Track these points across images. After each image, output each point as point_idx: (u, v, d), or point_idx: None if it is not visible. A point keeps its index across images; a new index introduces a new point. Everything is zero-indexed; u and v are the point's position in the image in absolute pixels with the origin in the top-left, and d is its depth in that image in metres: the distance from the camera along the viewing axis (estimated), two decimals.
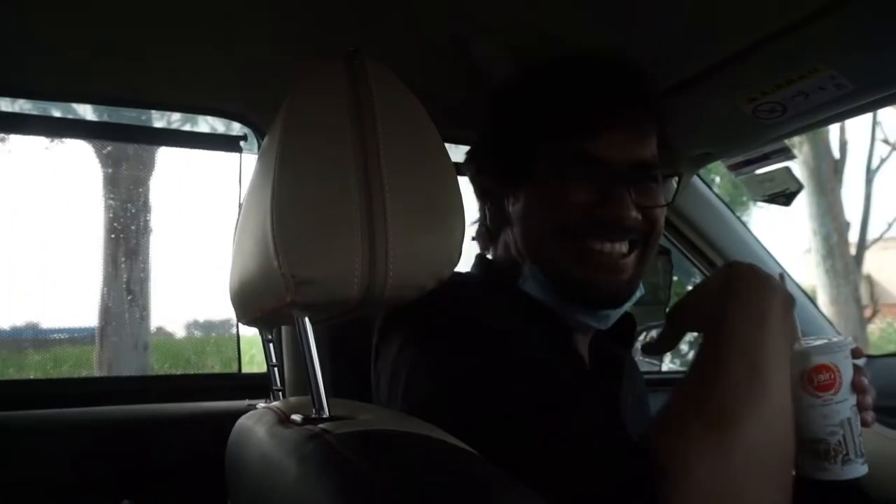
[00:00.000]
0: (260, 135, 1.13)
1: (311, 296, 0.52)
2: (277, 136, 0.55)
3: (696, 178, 1.40)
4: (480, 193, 0.81)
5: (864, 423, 0.64)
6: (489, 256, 0.82)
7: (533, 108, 0.73)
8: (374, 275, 0.52)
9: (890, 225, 9.65)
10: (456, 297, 0.63)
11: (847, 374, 0.63)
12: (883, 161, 8.98)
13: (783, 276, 0.68)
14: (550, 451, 0.52)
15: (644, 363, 1.34)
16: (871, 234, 9.09)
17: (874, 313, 8.99)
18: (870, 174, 9.13)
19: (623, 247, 0.71)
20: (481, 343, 0.61)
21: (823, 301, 7.50)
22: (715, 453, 0.50)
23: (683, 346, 0.97)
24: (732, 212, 1.49)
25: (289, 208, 0.52)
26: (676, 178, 0.82)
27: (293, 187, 0.53)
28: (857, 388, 0.63)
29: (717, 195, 1.46)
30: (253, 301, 0.64)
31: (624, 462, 0.51)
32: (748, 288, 0.61)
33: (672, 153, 0.77)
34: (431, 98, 0.60)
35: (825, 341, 0.64)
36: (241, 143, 1.14)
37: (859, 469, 0.62)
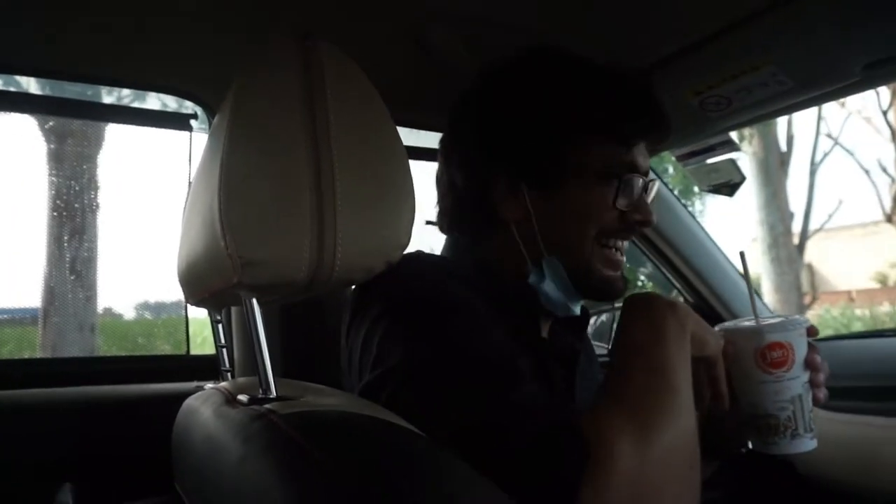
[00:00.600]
0: (211, 113, 1.10)
1: (257, 277, 0.52)
2: (227, 115, 0.55)
3: None
4: (466, 182, 0.79)
5: (817, 400, 0.66)
6: (461, 242, 0.83)
7: (580, 108, 0.74)
8: (323, 257, 0.52)
9: (830, 216, 10.10)
10: (435, 278, 0.67)
11: (801, 352, 0.64)
12: (826, 155, 9.37)
13: (743, 254, 0.73)
14: (495, 426, 0.53)
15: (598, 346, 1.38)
16: (813, 224, 9.50)
17: (813, 300, 9.43)
18: (813, 167, 9.51)
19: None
20: (450, 324, 0.62)
21: (767, 289, 7.81)
22: (638, 445, 0.53)
23: None
24: (680, 202, 1.54)
25: (236, 189, 0.51)
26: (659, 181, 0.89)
27: (241, 168, 0.52)
28: (810, 365, 0.64)
29: (667, 185, 1.50)
30: (200, 282, 0.63)
31: (558, 439, 0.53)
32: (643, 308, 0.64)
33: None
34: (384, 81, 0.60)
35: (781, 320, 0.66)
36: (192, 122, 1.11)
37: (807, 444, 0.63)
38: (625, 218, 0.75)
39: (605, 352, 1.65)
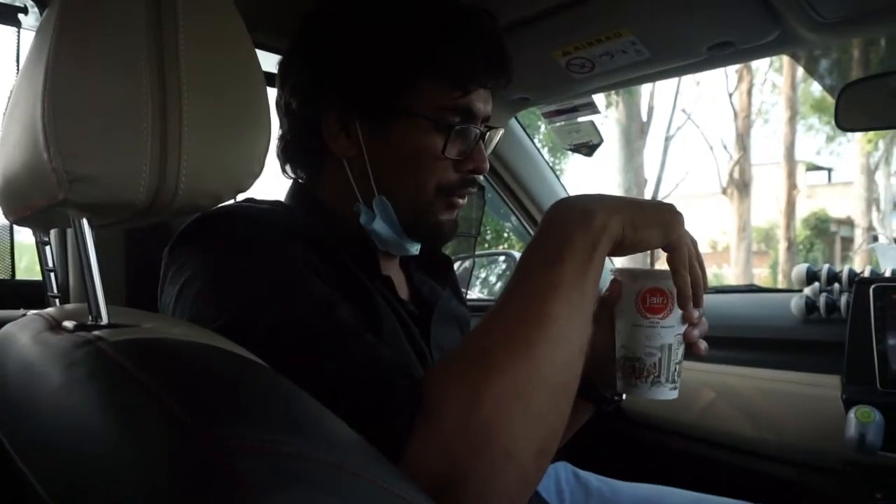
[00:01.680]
0: (43, 8, 0.97)
1: (87, 195, 0.47)
2: (57, 11, 0.48)
3: (513, 121, 1.49)
4: (299, 110, 0.76)
5: (697, 352, 0.65)
6: (298, 189, 0.81)
7: (414, 46, 0.70)
8: (165, 179, 0.49)
9: (677, 184, 11.09)
10: (245, 235, 0.64)
11: None
12: (679, 128, 10.20)
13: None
14: (323, 381, 0.52)
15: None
16: (662, 191, 10.41)
17: (655, 260, 10.42)
18: (667, 138, 10.36)
19: None
20: (258, 285, 0.60)
21: None
22: (468, 393, 0.50)
23: None
24: (542, 156, 1.61)
25: (64, 95, 0.46)
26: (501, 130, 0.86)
27: (71, 72, 0.46)
28: (686, 319, 0.63)
29: (530, 138, 1.57)
30: (21, 198, 0.56)
31: (392, 385, 0.52)
32: (552, 225, 0.58)
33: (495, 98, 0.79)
34: (246, 1, 0.56)
35: (667, 269, 0.64)
36: (21, 16, 0.97)
37: (667, 393, 0.63)
38: (457, 168, 0.74)
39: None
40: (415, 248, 0.80)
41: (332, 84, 0.73)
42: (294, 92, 0.76)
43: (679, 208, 0.62)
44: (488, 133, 0.78)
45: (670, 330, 0.63)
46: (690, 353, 0.65)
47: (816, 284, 1.28)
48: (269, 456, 0.32)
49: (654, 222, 0.59)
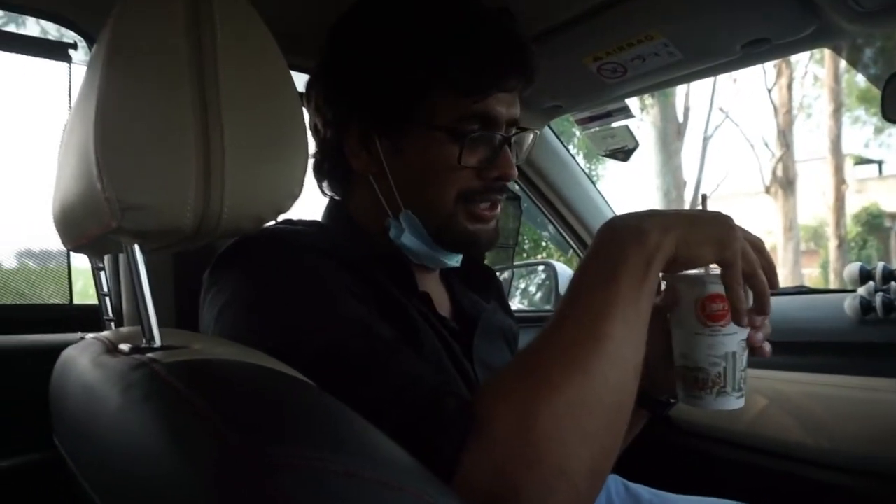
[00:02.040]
0: (92, 43, 1.02)
1: (138, 222, 0.49)
2: (104, 45, 0.51)
3: (546, 130, 1.48)
4: (325, 130, 0.77)
5: (762, 355, 0.62)
6: (334, 206, 0.82)
7: (424, 59, 0.70)
8: (209, 203, 0.50)
9: (718, 185, 10.85)
10: (282, 258, 0.64)
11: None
12: (717, 128, 9.99)
13: (705, 196, 0.68)
14: (370, 402, 0.51)
15: None
16: (703, 192, 10.17)
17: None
18: (706, 138, 10.15)
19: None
20: (297, 280, 0.62)
21: None
22: (522, 411, 0.50)
23: None
24: (577, 163, 1.60)
25: (114, 126, 0.48)
26: (534, 133, 0.84)
27: (119, 103, 0.48)
28: (750, 324, 0.60)
29: (564, 146, 1.56)
30: (77, 226, 0.59)
31: (439, 403, 0.52)
32: (606, 244, 0.58)
33: (527, 107, 0.79)
34: (278, 23, 0.58)
35: None
36: (71, 52, 1.02)
37: (733, 402, 0.61)
38: (482, 176, 0.73)
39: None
40: (454, 260, 0.79)
41: (350, 102, 0.74)
42: (317, 111, 0.77)
43: (723, 210, 0.60)
44: (519, 136, 0.77)
45: (734, 337, 0.60)
46: (752, 356, 0.62)
47: (871, 283, 1.23)
48: (313, 474, 0.33)
49: (708, 239, 0.57)
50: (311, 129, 0.80)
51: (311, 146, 0.77)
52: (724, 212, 0.60)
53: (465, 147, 0.70)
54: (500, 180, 0.74)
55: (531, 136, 0.82)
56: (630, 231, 0.56)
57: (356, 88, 0.73)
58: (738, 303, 0.58)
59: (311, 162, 0.81)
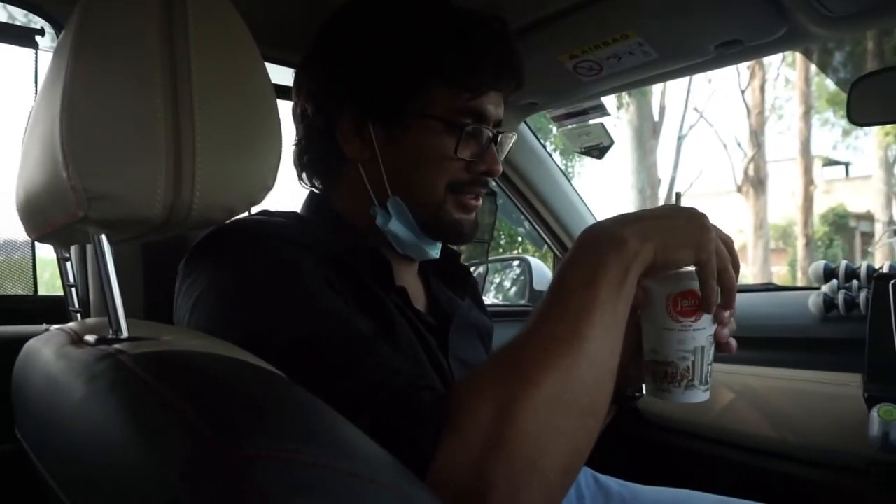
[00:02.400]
0: (59, 29, 0.99)
1: (105, 212, 0.48)
2: (73, 33, 0.49)
3: (523, 126, 1.49)
4: (316, 116, 0.77)
5: (729, 351, 0.65)
6: (315, 198, 0.82)
7: (425, 51, 0.72)
8: (180, 193, 0.50)
9: (692, 183, 11.02)
10: (258, 251, 0.64)
11: None
12: (691, 127, 10.15)
13: (679, 194, 0.69)
14: (345, 394, 0.52)
15: None
16: (677, 190, 10.32)
17: None
18: (680, 137, 10.30)
19: None
20: (274, 271, 0.61)
21: None
22: (497, 406, 0.50)
23: None
24: (552, 159, 1.61)
25: (81, 115, 0.47)
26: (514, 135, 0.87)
27: (88, 92, 0.47)
28: (717, 320, 0.62)
29: (541, 142, 1.57)
30: (41, 215, 0.58)
31: (415, 397, 0.53)
32: (586, 249, 0.59)
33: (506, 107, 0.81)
34: (252, 13, 0.57)
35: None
36: (38, 38, 0.99)
37: (700, 395, 0.62)
38: (470, 169, 0.75)
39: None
40: (434, 251, 0.80)
41: (346, 89, 0.75)
42: (310, 98, 0.78)
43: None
44: (501, 137, 0.79)
45: (702, 332, 0.62)
46: (719, 352, 0.64)
47: (834, 281, 1.27)
48: (284, 465, 0.33)
49: (686, 243, 0.59)
50: (296, 115, 0.80)
51: (288, 138, 0.77)
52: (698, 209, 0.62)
53: (462, 139, 0.73)
54: (486, 175, 0.76)
55: (513, 138, 0.85)
56: (610, 238, 0.58)
57: (353, 77, 0.74)
58: (711, 294, 0.60)
59: (291, 151, 0.81)
